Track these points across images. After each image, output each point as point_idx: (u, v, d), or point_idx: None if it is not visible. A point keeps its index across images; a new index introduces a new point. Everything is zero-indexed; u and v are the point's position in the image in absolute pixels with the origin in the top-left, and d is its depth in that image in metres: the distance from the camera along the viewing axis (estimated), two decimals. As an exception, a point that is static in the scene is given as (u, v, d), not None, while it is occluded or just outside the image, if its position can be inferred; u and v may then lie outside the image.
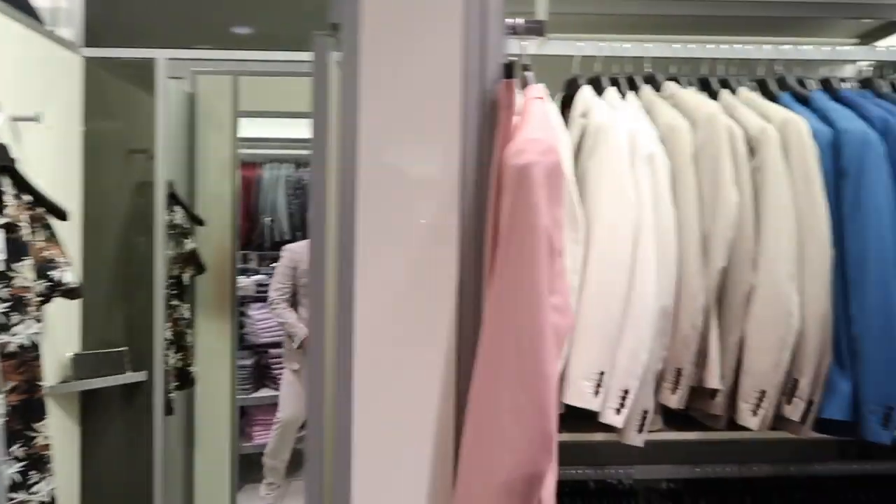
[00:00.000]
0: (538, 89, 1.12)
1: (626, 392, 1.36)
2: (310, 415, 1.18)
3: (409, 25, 1.09)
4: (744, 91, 1.51)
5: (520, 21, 1.14)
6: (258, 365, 4.23)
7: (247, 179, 4.97)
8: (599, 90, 1.54)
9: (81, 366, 2.32)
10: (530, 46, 1.44)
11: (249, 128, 3.88)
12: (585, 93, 1.51)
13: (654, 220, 1.33)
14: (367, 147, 1.11)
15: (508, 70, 1.06)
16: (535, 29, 1.14)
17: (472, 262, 1.11)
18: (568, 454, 1.60)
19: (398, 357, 1.14)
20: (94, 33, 2.32)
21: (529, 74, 1.15)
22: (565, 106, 1.62)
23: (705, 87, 1.55)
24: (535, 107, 1.06)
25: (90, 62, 2.23)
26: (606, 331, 1.33)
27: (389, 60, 1.10)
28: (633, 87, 1.55)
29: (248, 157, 4.99)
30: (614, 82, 1.53)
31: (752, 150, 1.36)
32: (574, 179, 1.38)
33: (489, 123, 1.09)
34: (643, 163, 1.33)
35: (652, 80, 1.55)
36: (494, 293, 0.96)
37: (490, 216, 1.05)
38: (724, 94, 1.50)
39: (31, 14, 2.03)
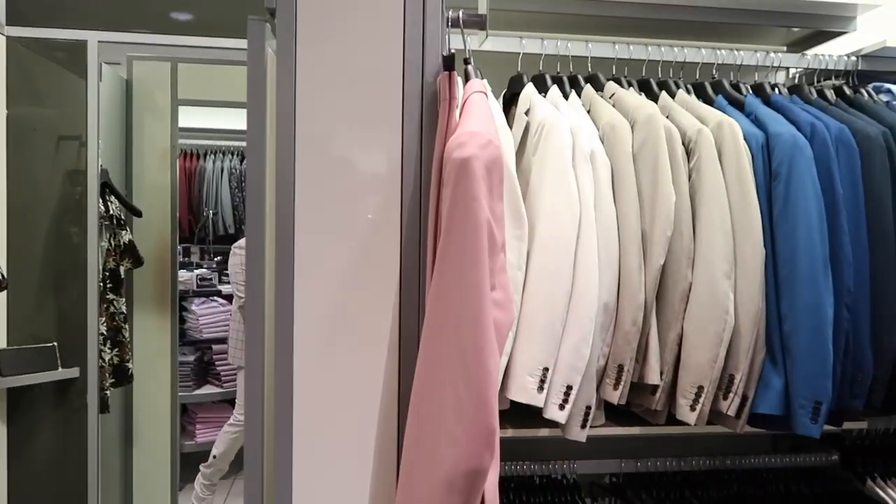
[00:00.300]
0: (479, 83, 1.11)
1: (570, 388, 1.37)
2: (248, 413, 1.14)
3: (348, 13, 1.07)
4: (681, 93, 1.54)
5: (461, 13, 1.13)
6: (201, 361, 4.13)
7: (189, 171, 4.84)
8: (543, 88, 1.55)
9: (7, 362, 2.21)
10: (473, 41, 1.44)
11: (192, 117, 3.77)
12: (529, 90, 1.51)
13: (596, 217, 1.34)
14: (306, 138, 1.09)
15: (449, 62, 1.05)
16: (477, 22, 1.13)
17: (414, 255, 1.10)
18: (513, 450, 1.61)
19: (339, 353, 1.12)
20: (18, 11, 2.20)
21: (470, 68, 1.14)
22: (509, 103, 1.63)
23: (645, 88, 1.57)
24: (476, 100, 1.05)
25: (13, 42, 2.12)
26: (550, 327, 1.33)
27: (327, 48, 1.07)
28: (576, 86, 1.56)
29: (191, 146, 4.86)
30: (557, 81, 1.55)
31: (688, 152, 1.39)
32: (517, 176, 1.38)
33: (430, 115, 1.08)
34: (584, 160, 1.34)
35: (594, 80, 1.57)
36: (435, 288, 0.94)
37: (432, 209, 1.03)
38: (663, 95, 1.53)
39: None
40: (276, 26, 1.07)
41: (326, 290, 1.11)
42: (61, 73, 2.37)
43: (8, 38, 2.08)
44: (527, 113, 1.48)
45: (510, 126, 1.50)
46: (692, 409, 1.34)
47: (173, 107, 2.97)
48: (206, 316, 4.10)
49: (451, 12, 1.13)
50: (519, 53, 1.55)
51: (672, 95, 1.54)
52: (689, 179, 1.38)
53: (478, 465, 0.88)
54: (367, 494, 1.14)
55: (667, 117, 1.43)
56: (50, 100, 2.39)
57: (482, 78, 1.18)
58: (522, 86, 1.54)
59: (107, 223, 2.57)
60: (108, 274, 2.58)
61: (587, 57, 1.57)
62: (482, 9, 1.21)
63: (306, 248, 1.10)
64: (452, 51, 1.05)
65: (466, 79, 1.14)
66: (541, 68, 1.57)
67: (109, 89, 2.63)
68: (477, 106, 1.04)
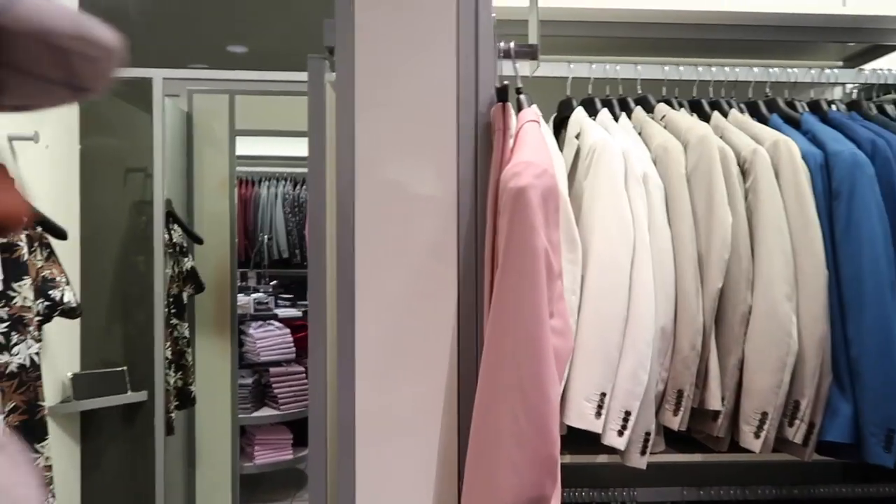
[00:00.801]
0: (532, 112, 1.13)
1: (628, 413, 1.36)
2: (312, 437, 1.18)
3: (402, 48, 1.11)
4: (734, 113, 1.53)
5: (512, 45, 1.15)
6: (258, 383, 4.22)
7: (244, 197, 4.98)
8: (593, 112, 1.56)
9: (81, 386, 2.31)
10: (523, 68, 1.46)
11: (247, 146, 3.90)
12: (579, 114, 1.52)
13: (650, 240, 1.33)
14: (364, 167, 1.12)
15: (502, 93, 1.07)
16: (529, 53, 1.15)
17: (472, 281, 1.12)
18: (571, 476, 1.59)
19: (399, 377, 1.14)
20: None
21: (523, 97, 1.16)
22: (559, 127, 1.64)
23: (696, 108, 1.56)
24: (529, 129, 1.07)
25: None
26: (606, 352, 1.33)
27: (383, 83, 1.11)
28: (626, 108, 1.57)
29: (246, 174, 5.01)
30: (607, 104, 1.55)
31: (743, 172, 1.37)
32: (569, 200, 1.39)
33: (484, 144, 1.10)
34: (637, 183, 1.34)
35: (644, 102, 1.57)
36: (493, 316, 0.96)
37: (489, 237, 1.05)
38: (716, 115, 1.52)
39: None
40: (335, 63, 1.11)
41: (386, 314, 1.13)
42: (128, 108, 2.49)
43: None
44: (577, 137, 1.49)
45: (561, 150, 1.51)
46: (756, 436, 1.31)
47: (231, 137, 3.08)
48: (264, 339, 4.19)
49: (502, 44, 1.16)
50: (567, 78, 1.57)
51: (724, 115, 1.53)
52: (746, 200, 1.36)
53: (539, 495, 0.89)
54: None
55: (720, 137, 1.42)
56: (118, 134, 2.51)
57: (532, 104, 1.20)
58: (572, 109, 1.55)
59: (170, 251, 2.68)
60: (171, 300, 2.68)
61: (637, 79, 1.58)
62: (533, 39, 1.23)
63: (366, 274, 1.13)
64: (505, 82, 1.07)
65: (519, 108, 1.16)
66: (589, 91, 1.58)
67: (172, 122, 2.75)
68: (530, 135, 1.06)
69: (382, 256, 1.12)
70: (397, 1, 1.10)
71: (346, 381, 1.13)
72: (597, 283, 1.34)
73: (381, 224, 1.13)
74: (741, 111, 1.55)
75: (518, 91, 1.18)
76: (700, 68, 1.57)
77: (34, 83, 0.52)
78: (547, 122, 1.61)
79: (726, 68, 1.57)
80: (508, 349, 0.93)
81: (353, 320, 1.12)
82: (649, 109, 1.56)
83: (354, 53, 1.09)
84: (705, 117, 1.53)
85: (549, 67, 1.57)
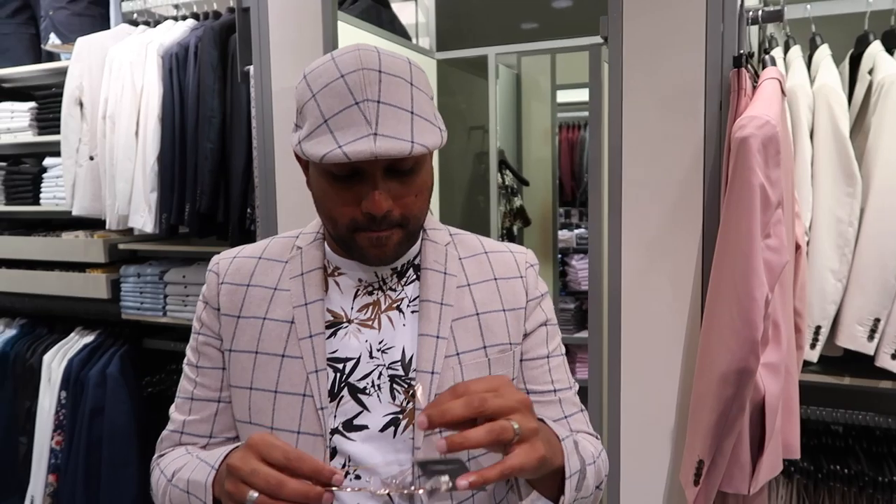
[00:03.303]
0: (774, 71, 1.35)
1: (904, 339, 1.49)
2: (591, 319, 1.62)
3: (662, 33, 1.42)
4: None
5: (760, 12, 1.38)
6: (579, 309, 4.74)
7: (572, 141, 5.46)
8: (893, 45, 1.59)
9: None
10: (816, 7, 1.59)
11: (573, 94, 4.34)
12: (874, 48, 1.59)
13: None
14: (630, 121, 1.48)
15: (738, 61, 1.32)
16: (775, 15, 1.36)
17: (714, 210, 1.41)
18: (851, 399, 1.73)
19: (657, 279, 1.49)
20: (443, 39, 3.00)
21: (767, 58, 1.38)
22: (856, 63, 1.70)
23: None
24: (766, 86, 1.31)
25: (441, 63, 2.90)
26: (884, 280, 1.47)
27: (646, 57, 1.44)
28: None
29: (572, 119, 5.48)
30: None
31: None
32: (849, 138, 1.50)
33: (725, 104, 1.37)
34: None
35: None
36: (720, 235, 1.26)
37: (723, 176, 1.34)
38: None
39: (402, 34, 2.75)
40: (609, 47, 1.48)
41: (650, 226, 1.49)
42: (471, 78, 3.11)
43: (437, 60, 2.87)
44: (870, 73, 1.57)
45: (853, 86, 1.60)
46: None
47: (553, 91, 3.55)
48: (584, 269, 4.67)
49: (750, 13, 1.39)
50: (866, 12, 1.62)
51: None
52: None
53: (745, 366, 1.19)
54: (678, 377, 1.49)
55: None
56: (463, 101, 3.16)
57: (775, 64, 1.40)
58: (868, 44, 1.61)
59: (503, 192, 3.28)
60: (504, 232, 3.30)
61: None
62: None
63: (633, 199, 1.49)
64: (741, 52, 1.32)
65: (764, 66, 1.39)
66: (892, 24, 1.61)
67: (505, 85, 3.32)
68: (765, 91, 1.30)
69: (644, 189, 1.48)
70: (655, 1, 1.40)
71: (614, 276, 1.52)
72: (877, 216, 1.47)
73: (643, 166, 1.48)
74: None
75: (765, 52, 1.40)
76: None
77: None
78: (841, 60, 1.70)
79: None
80: (727, 259, 1.23)
81: (619, 242, 1.51)
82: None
83: (622, 39, 1.45)
84: None
85: (846, 4, 1.64)
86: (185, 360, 0.93)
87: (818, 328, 1.63)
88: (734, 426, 1.24)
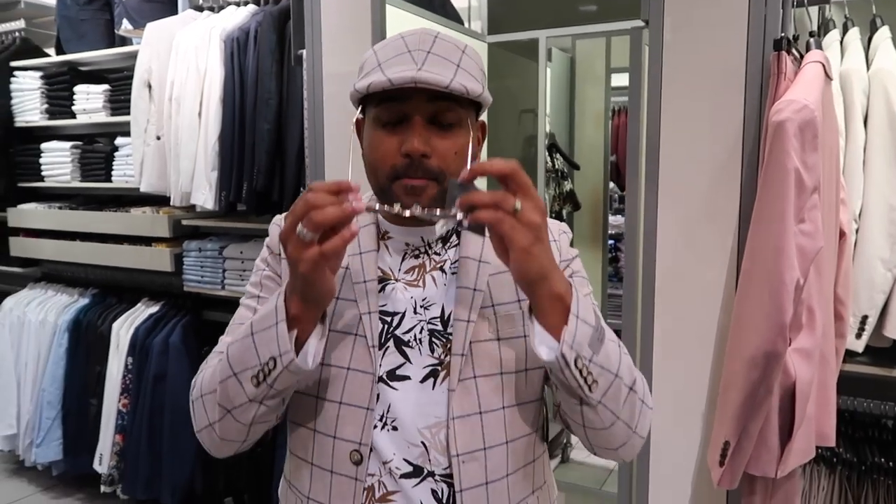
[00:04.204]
0: (816, 54, 1.33)
1: (955, 331, 1.47)
2: (625, 302, 1.64)
3: (703, 16, 1.42)
4: None
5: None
6: (630, 294, 4.71)
7: (626, 125, 5.40)
8: None
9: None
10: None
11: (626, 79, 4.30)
12: None
13: None
14: (670, 104, 1.49)
15: (778, 44, 1.31)
16: (820, -1, 1.34)
17: (751, 193, 1.41)
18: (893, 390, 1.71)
19: (691, 262, 1.51)
20: (495, 22, 3.01)
21: (811, 40, 1.37)
22: None
23: None
24: (808, 70, 1.30)
25: (492, 46, 2.92)
26: None
27: (686, 38, 1.45)
28: None
29: (626, 104, 5.40)
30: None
31: None
32: None
33: (765, 86, 1.36)
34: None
35: None
36: (754, 217, 1.27)
37: (762, 163, 1.34)
38: None
39: (454, 17, 2.78)
40: (650, 30, 1.49)
41: (686, 209, 1.51)
42: (522, 62, 3.12)
43: (489, 44, 2.89)
44: None
45: None
46: None
47: (607, 74, 3.52)
48: (636, 255, 4.64)
49: (796, -5, 1.38)
50: None
51: None
52: None
53: (772, 349, 1.20)
54: (711, 355, 1.50)
55: None
56: (514, 84, 3.18)
57: (820, 48, 1.38)
58: None
59: (553, 175, 3.29)
60: (553, 216, 3.32)
61: None
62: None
63: (670, 181, 1.51)
64: (782, 35, 1.31)
65: (808, 49, 1.37)
66: None
67: (558, 67, 3.31)
68: (807, 75, 1.29)
69: (681, 172, 1.49)
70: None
71: (648, 254, 1.54)
72: None
73: (682, 151, 1.48)
74: None
75: (811, 34, 1.38)
76: None
77: None
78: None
79: None
80: (760, 242, 1.24)
81: (655, 219, 1.52)
82: None
83: (663, 22, 1.45)
84: None
85: None
86: (245, 296, 0.98)
87: (865, 318, 1.61)
88: (761, 409, 1.25)
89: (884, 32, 1.61)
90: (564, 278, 0.80)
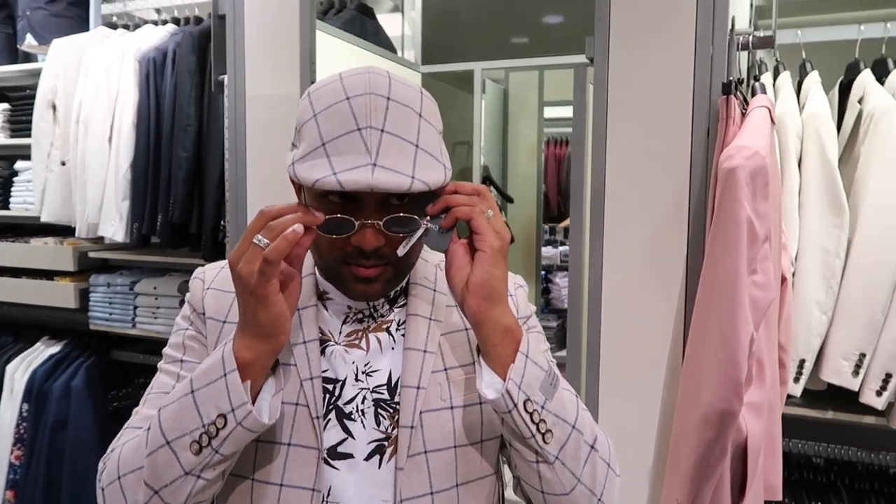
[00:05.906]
0: (764, 99, 1.31)
1: (889, 376, 1.45)
2: (570, 344, 1.56)
3: (649, 56, 1.38)
4: None
5: (751, 37, 1.34)
6: (562, 327, 4.69)
7: (559, 157, 5.43)
8: (885, 73, 1.55)
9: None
10: (807, 34, 1.56)
11: (561, 110, 4.32)
12: (864, 77, 1.55)
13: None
14: (614, 144, 1.43)
15: (727, 87, 1.28)
16: (766, 42, 1.32)
17: (699, 242, 1.37)
18: (835, 433, 1.69)
19: (638, 309, 1.44)
20: (428, 53, 2.95)
21: (757, 85, 1.34)
22: (846, 91, 1.67)
23: None
24: (755, 115, 1.26)
25: (426, 76, 2.85)
26: (871, 315, 1.43)
27: (631, 81, 1.40)
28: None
29: (560, 135, 5.46)
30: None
31: None
32: (837, 167, 1.46)
33: (713, 130, 1.32)
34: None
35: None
36: (704, 270, 1.21)
37: (709, 207, 1.29)
38: None
39: (388, 45, 2.70)
40: (595, 68, 1.43)
41: (630, 259, 1.44)
42: (457, 93, 3.07)
43: (423, 74, 2.82)
44: (860, 101, 1.54)
45: (843, 114, 1.57)
46: None
47: (540, 106, 3.52)
48: (567, 288, 4.64)
49: (740, 37, 1.35)
50: (857, 40, 1.59)
51: None
52: None
53: (727, 409, 1.14)
54: (658, 413, 1.44)
55: None
56: (448, 115, 3.11)
57: (765, 92, 1.36)
58: (858, 73, 1.58)
59: (487, 208, 3.23)
60: (487, 249, 3.25)
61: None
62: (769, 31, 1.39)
63: (614, 228, 1.44)
64: (730, 78, 1.28)
65: (753, 94, 1.35)
66: (882, 53, 1.59)
67: (492, 99, 3.28)
68: (755, 120, 1.25)
69: (627, 215, 1.43)
70: (642, 22, 1.37)
71: (594, 304, 1.47)
72: (865, 248, 1.43)
73: (627, 191, 1.43)
74: None
75: (755, 78, 1.36)
76: None
77: None
78: (831, 87, 1.67)
79: None
80: (713, 296, 1.18)
81: (601, 267, 1.46)
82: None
83: (608, 62, 1.40)
84: None
85: (837, 31, 1.61)
86: (163, 361, 0.86)
87: (802, 362, 1.59)
88: (715, 470, 1.18)
89: (813, 77, 1.62)
90: (514, 315, 0.76)
